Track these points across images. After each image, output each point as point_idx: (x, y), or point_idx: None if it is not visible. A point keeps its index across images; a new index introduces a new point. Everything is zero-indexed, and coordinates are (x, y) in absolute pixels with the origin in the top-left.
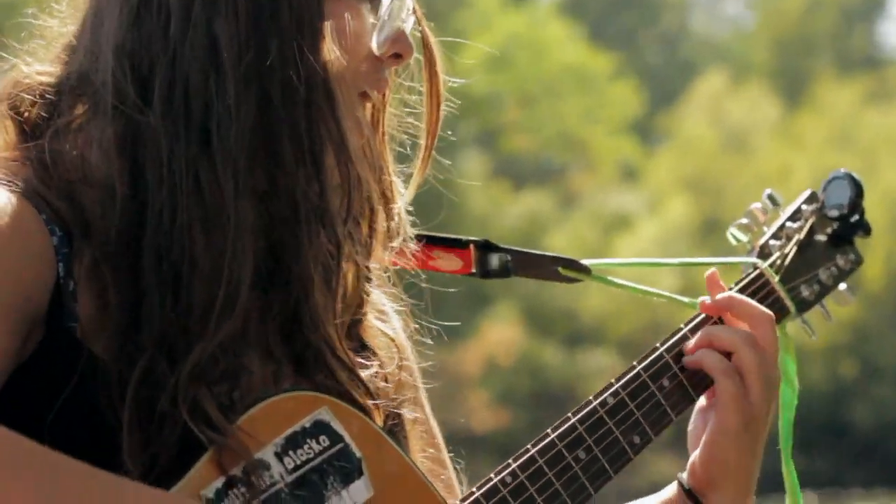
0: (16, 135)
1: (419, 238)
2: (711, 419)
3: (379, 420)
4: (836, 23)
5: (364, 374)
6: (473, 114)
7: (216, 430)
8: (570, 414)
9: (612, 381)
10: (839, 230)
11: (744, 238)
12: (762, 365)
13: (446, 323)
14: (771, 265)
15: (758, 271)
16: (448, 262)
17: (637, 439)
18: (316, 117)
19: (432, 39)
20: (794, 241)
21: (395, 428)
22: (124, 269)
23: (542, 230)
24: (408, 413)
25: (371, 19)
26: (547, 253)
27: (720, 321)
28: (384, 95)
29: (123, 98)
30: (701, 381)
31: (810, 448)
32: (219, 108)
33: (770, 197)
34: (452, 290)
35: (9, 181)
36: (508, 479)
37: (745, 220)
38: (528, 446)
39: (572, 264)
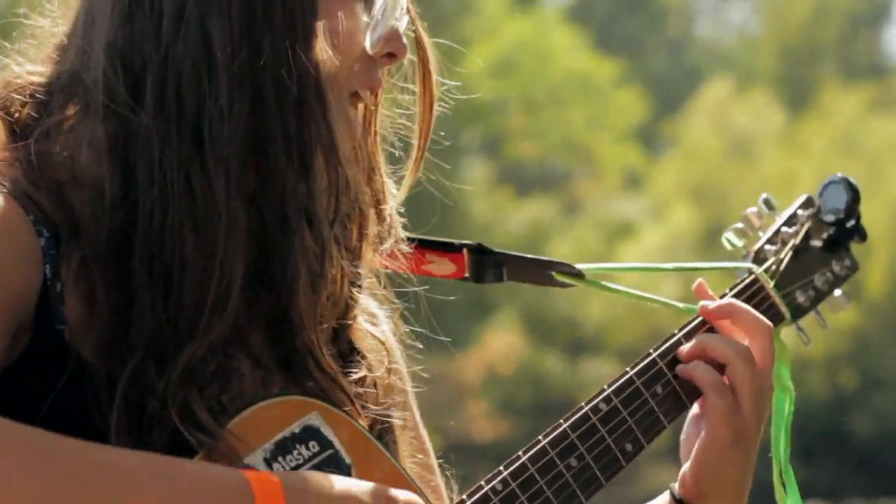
0: (6, 135)
1: (411, 241)
2: (702, 431)
3: (363, 423)
4: (841, 30)
5: (351, 378)
6: (478, 120)
7: (206, 434)
8: (561, 420)
9: (605, 387)
10: (835, 235)
11: (739, 243)
12: (755, 378)
13: (437, 337)
14: (766, 270)
15: (752, 276)
16: (441, 266)
17: (629, 447)
18: (307, 118)
19: (426, 39)
20: (789, 246)
21: (384, 433)
22: (114, 270)
23: (546, 237)
24: (397, 418)
25: (364, 18)
26: (541, 257)
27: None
28: (377, 96)
29: (115, 97)
30: (695, 389)
31: (810, 457)
32: (211, 107)
33: (766, 201)
34: (453, 298)
35: None
36: (499, 487)
37: (740, 225)
38: (520, 453)
39: (566, 269)
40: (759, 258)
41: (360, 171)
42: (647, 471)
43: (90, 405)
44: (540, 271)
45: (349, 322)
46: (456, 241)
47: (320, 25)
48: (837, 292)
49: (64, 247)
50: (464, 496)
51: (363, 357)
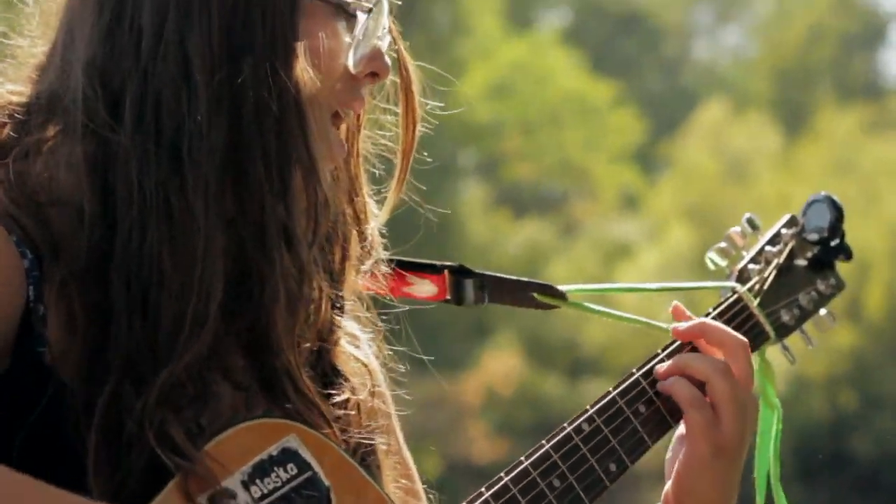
0: None
1: (392, 263)
2: (682, 449)
3: (344, 448)
4: (836, 52)
5: (333, 400)
6: (474, 142)
7: (183, 457)
8: (543, 441)
9: (588, 407)
10: (819, 254)
11: (722, 262)
12: (735, 394)
13: (423, 356)
14: (750, 289)
15: (736, 296)
16: (422, 287)
17: (613, 467)
18: (286, 138)
19: (408, 59)
20: (773, 265)
21: (367, 457)
22: (93, 290)
23: (544, 258)
24: (380, 442)
25: (346, 38)
26: (522, 279)
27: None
28: (359, 116)
29: (93, 116)
30: (678, 408)
31: (811, 478)
32: (190, 126)
33: (749, 221)
34: (452, 320)
35: None
36: None
37: (723, 245)
38: (502, 474)
39: (548, 290)
40: (742, 277)
41: (342, 192)
42: (633, 491)
43: (69, 428)
44: (522, 293)
45: (331, 345)
46: (437, 263)
47: (301, 45)
48: (823, 311)
49: (46, 268)
50: None
51: (346, 380)
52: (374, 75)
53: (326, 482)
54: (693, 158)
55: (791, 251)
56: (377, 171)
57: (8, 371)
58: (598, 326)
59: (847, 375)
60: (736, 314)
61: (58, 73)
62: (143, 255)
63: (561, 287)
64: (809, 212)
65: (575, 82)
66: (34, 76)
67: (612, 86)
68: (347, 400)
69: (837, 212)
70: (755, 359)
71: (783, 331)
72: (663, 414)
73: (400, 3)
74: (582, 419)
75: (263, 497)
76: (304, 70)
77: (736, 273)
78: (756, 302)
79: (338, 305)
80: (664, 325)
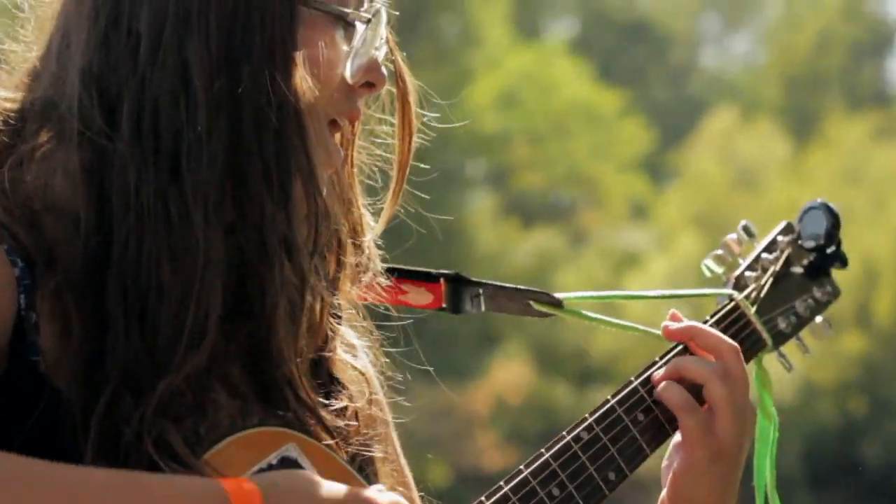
0: None
1: (389, 272)
2: (679, 455)
3: (342, 455)
4: (845, 60)
5: (331, 409)
6: (482, 152)
7: (183, 465)
8: (543, 450)
9: (587, 415)
10: (816, 262)
11: (719, 269)
12: (733, 397)
13: (429, 366)
14: (746, 297)
15: (733, 303)
16: (418, 296)
17: (612, 475)
18: (286, 147)
19: (405, 70)
20: (769, 272)
21: (364, 465)
22: (89, 299)
23: (553, 268)
24: (378, 450)
25: (344, 47)
26: (519, 286)
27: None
28: (354, 126)
29: (89, 123)
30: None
31: (821, 485)
32: (189, 134)
33: (745, 228)
34: (460, 329)
35: None
36: None
37: (720, 252)
38: (501, 483)
39: (544, 298)
40: (739, 285)
41: (339, 202)
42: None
43: (65, 437)
44: (519, 301)
45: (328, 353)
46: (433, 271)
47: (300, 54)
48: (819, 318)
49: (39, 276)
50: None
51: (344, 388)
52: (371, 86)
53: None
54: (701, 167)
55: (787, 258)
56: (375, 182)
57: (2, 379)
58: (606, 335)
59: (856, 381)
60: (733, 322)
61: (53, 80)
62: (140, 263)
63: (557, 295)
64: (806, 219)
65: (582, 91)
66: (28, 82)
67: (620, 94)
68: (345, 408)
69: (834, 219)
70: (752, 367)
71: (780, 338)
72: (661, 422)
73: (407, 13)
74: (581, 427)
75: None
76: (302, 79)
77: (733, 280)
78: (753, 310)
79: (335, 314)
80: (660, 333)
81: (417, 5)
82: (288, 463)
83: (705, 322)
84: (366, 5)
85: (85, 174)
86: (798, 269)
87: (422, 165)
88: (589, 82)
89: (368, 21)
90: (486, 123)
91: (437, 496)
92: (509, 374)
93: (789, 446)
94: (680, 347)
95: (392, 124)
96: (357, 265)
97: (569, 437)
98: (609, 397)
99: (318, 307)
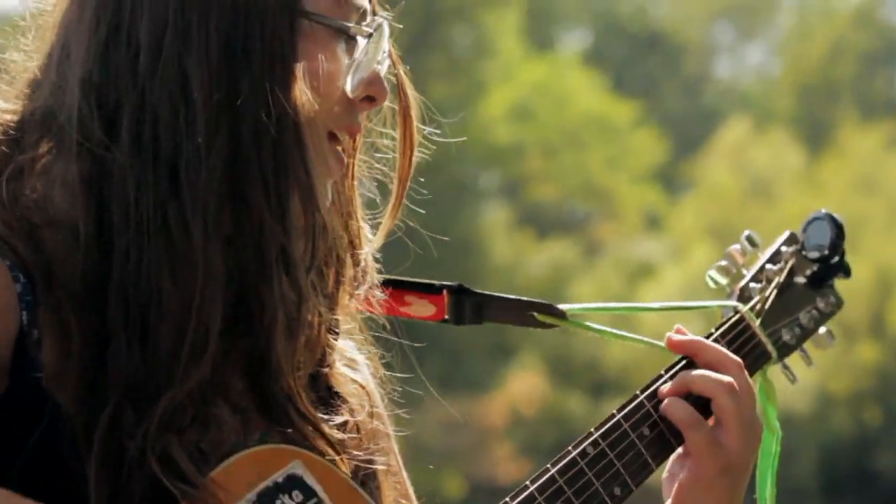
0: None
1: (391, 283)
2: (686, 467)
3: (346, 470)
4: (858, 69)
5: (332, 423)
6: (496, 163)
7: (188, 483)
8: (549, 465)
9: (592, 430)
10: (820, 272)
11: (723, 281)
12: (741, 411)
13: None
14: (751, 309)
15: (738, 315)
16: (421, 307)
17: (618, 490)
18: (284, 161)
19: (407, 83)
20: (774, 283)
21: (367, 479)
22: (89, 313)
23: (567, 279)
24: (380, 463)
25: (346, 60)
26: (522, 297)
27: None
28: (355, 140)
29: (89, 134)
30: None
31: (836, 495)
32: (188, 146)
33: (748, 238)
34: (476, 342)
35: None
36: None
37: (724, 263)
38: (507, 499)
39: (547, 309)
40: (744, 296)
41: (337, 216)
42: None
43: (68, 453)
44: (522, 312)
45: (327, 367)
46: (436, 283)
47: (300, 67)
48: (822, 329)
49: (40, 292)
50: None
51: (344, 401)
52: (372, 100)
53: None
54: (715, 177)
55: (791, 269)
56: (374, 195)
57: (4, 396)
58: (620, 346)
59: (871, 391)
60: (738, 334)
61: (52, 90)
62: (140, 276)
63: (561, 306)
64: (810, 229)
65: (596, 103)
66: (29, 92)
67: (634, 106)
68: (346, 422)
69: (838, 229)
70: (757, 379)
71: (784, 350)
72: (667, 437)
73: (420, 25)
74: (587, 443)
75: None
76: (302, 92)
77: (737, 292)
78: (758, 322)
79: (333, 328)
80: (663, 345)
81: (430, 17)
82: (294, 480)
83: (710, 335)
84: (368, 19)
85: (84, 185)
86: (801, 280)
87: (438, 178)
88: (602, 93)
89: (370, 35)
90: (499, 135)
91: None
92: (524, 386)
93: (804, 456)
94: (685, 361)
95: (393, 138)
96: (354, 278)
97: (575, 453)
98: (615, 411)
99: (316, 321)
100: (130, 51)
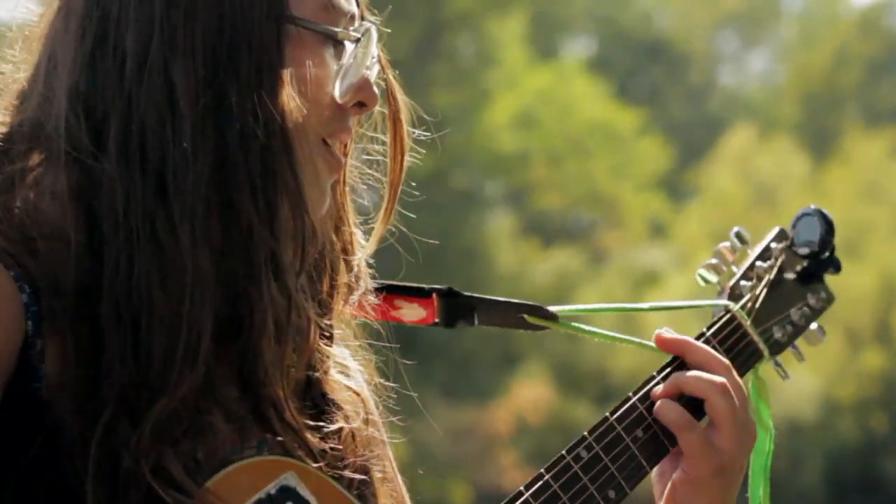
0: None
1: (381, 288)
2: (678, 468)
3: (337, 482)
4: (862, 76)
5: (324, 431)
6: (501, 172)
7: (184, 493)
8: (542, 470)
9: (585, 433)
10: (810, 268)
11: (713, 279)
12: (734, 411)
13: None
14: (742, 307)
15: (730, 314)
16: (411, 311)
17: (613, 494)
18: (272, 166)
19: (397, 89)
20: (764, 281)
21: (363, 486)
22: (83, 322)
23: (573, 287)
24: (376, 470)
25: (334, 65)
26: (512, 300)
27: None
28: (346, 145)
29: (77, 144)
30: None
31: (843, 503)
32: (175, 153)
33: (738, 235)
34: (481, 350)
35: None
36: None
37: (714, 261)
38: None
39: (538, 311)
40: (734, 294)
41: (328, 220)
42: None
43: (65, 464)
44: (512, 314)
45: (321, 374)
46: (426, 286)
47: (287, 73)
48: (813, 325)
49: (45, 303)
50: None
51: (339, 408)
52: (362, 105)
53: None
54: (720, 185)
55: (781, 265)
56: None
57: (4, 406)
58: (626, 354)
59: (877, 398)
60: (730, 333)
61: (40, 101)
62: (131, 284)
63: (551, 308)
64: (799, 225)
65: (600, 111)
66: (16, 103)
67: (638, 114)
68: (341, 429)
69: (828, 225)
70: (749, 378)
71: (776, 348)
72: (661, 439)
73: (425, 34)
74: (581, 447)
75: None
76: (290, 98)
77: (728, 290)
78: (749, 320)
79: (326, 334)
80: (655, 345)
81: (434, 26)
82: (287, 492)
83: (702, 335)
84: (356, 24)
85: (73, 196)
86: (792, 276)
87: (441, 186)
88: (607, 101)
89: (358, 40)
90: (504, 143)
91: None
92: (530, 394)
93: (810, 463)
94: (678, 361)
95: (383, 143)
96: (347, 284)
97: (569, 458)
98: (608, 414)
99: (305, 327)
100: (117, 60)
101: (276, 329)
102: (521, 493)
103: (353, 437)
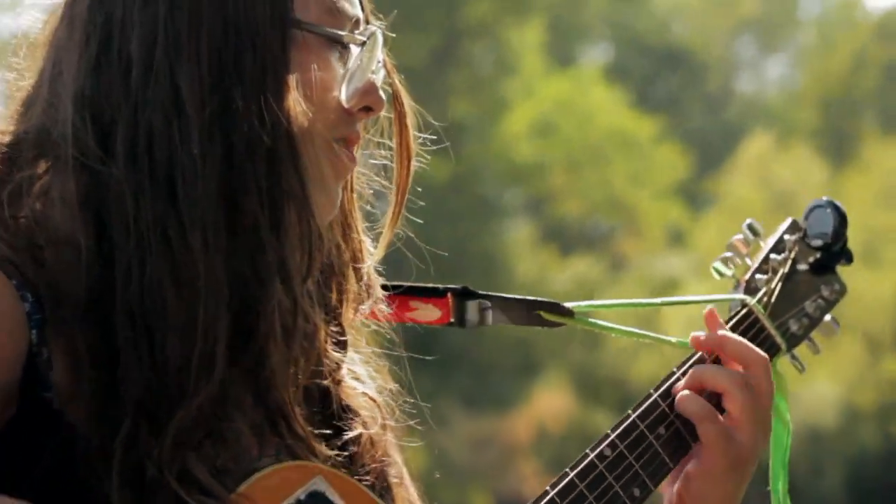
0: None
1: (395, 289)
2: (695, 458)
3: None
4: (880, 81)
5: (344, 437)
6: (520, 180)
7: (213, 497)
8: (567, 469)
9: (609, 431)
10: (822, 259)
11: (728, 272)
12: (754, 406)
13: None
14: (759, 301)
15: (747, 309)
16: (426, 312)
17: (637, 492)
18: (278, 171)
19: (403, 92)
20: (779, 274)
21: (384, 493)
22: (96, 331)
23: (591, 295)
24: (393, 476)
25: (339, 69)
26: (527, 297)
27: (717, 361)
28: (353, 150)
29: (84, 150)
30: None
31: None
32: (183, 158)
33: (750, 227)
34: (501, 358)
35: None
36: None
37: (728, 254)
38: None
39: (554, 308)
40: (750, 288)
41: (336, 226)
42: None
43: (83, 473)
44: (528, 312)
45: (336, 382)
46: (440, 286)
47: (293, 77)
48: (827, 317)
49: (48, 311)
50: None
51: (356, 415)
52: (368, 110)
53: None
54: (739, 192)
55: (794, 258)
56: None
57: (15, 418)
58: (647, 361)
59: None
60: (748, 328)
61: (45, 107)
62: (144, 290)
63: (567, 304)
64: (812, 217)
65: (618, 119)
66: (22, 111)
67: (656, 121)
68: (360, 435)
69: (841, 217)
70: None
71: (793, 341)
72: (683, 435)
73: (442, 42)
74: (604, 444)
75: None
76: (296, 102)
77: (744, 284)
78: (766, 314)
79: (339, 342)
80: (675, 340)
81: (452, 35)
82: (316, 496)
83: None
84: (361, 27)
85: (82, 202)
86: (805, 268)
87: (461, 194)
88: (625, 109)
89: (363, 44)
90: (522, 152)
91: None
92: (550, 403)
93: (831, 471)
94: (696, 357)
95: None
96: (357, 292)
97: (592, 455)
98: (630, 411)
99: (312, 332)
100: (122, 65)
101: (284, 334)
102: (546, 493)
103: (372, 442)
